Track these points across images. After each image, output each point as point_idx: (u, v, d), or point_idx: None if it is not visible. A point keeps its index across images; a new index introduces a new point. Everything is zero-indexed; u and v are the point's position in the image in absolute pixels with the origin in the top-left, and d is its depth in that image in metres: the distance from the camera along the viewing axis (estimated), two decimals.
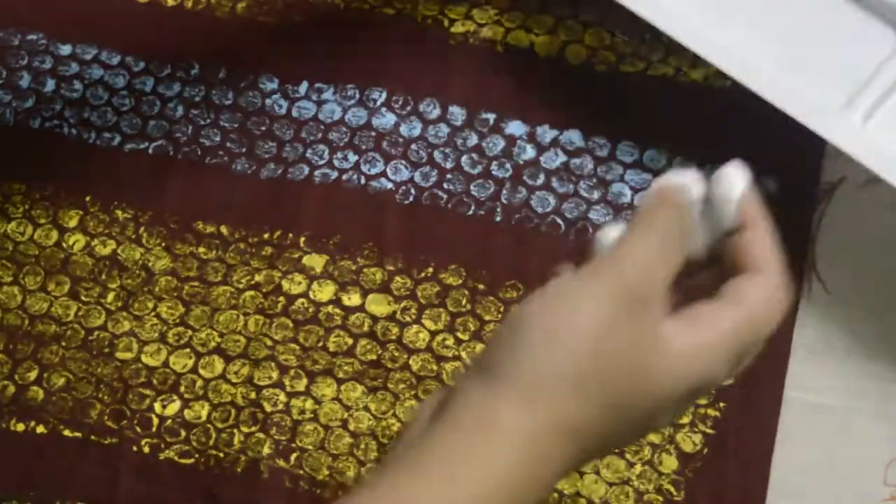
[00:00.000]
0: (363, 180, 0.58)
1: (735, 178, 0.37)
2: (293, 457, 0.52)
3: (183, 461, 0.52)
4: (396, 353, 0.54)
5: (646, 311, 0.30)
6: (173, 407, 0.53)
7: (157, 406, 0.53)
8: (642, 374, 0.30)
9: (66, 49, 0.62)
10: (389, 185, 0.58)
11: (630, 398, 0.29)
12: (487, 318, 0.54)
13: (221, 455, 0.52)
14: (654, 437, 0.52)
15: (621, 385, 0.29)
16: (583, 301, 0.29)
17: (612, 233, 0.34)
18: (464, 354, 0.55)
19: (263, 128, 0.59)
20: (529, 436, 0.28)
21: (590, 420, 0.28)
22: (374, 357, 0.54)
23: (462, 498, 0.28)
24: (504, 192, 0.58)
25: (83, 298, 0.55)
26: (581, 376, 0.28)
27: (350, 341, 0.54)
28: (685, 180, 0.36)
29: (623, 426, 0.31)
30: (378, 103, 0.61)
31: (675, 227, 0.33)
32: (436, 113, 0.60)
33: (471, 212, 0.57)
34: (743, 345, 0.32)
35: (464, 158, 0.58)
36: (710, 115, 0.59)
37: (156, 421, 0.53)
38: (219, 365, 0.54)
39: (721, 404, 0.53)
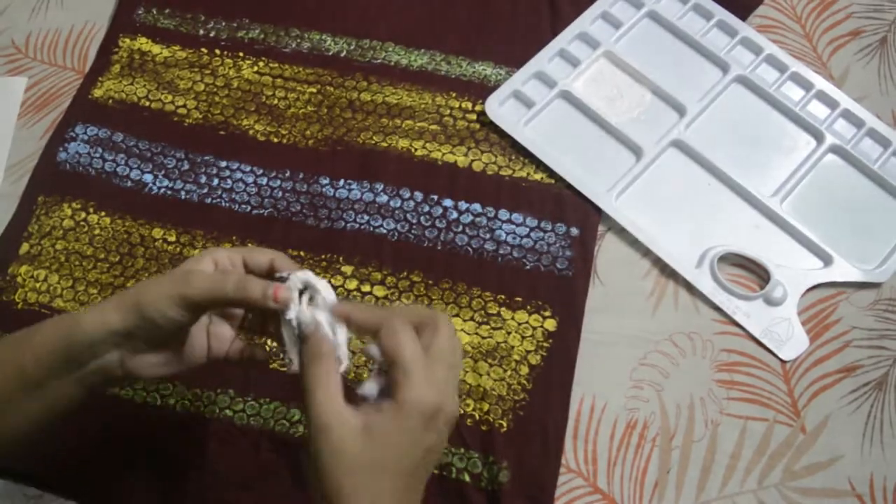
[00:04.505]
0: (372, 229, 0.76)
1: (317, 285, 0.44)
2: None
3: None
4: None
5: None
6: None
7: None
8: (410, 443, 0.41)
9: (223, 163, 0.81)
10: (385, 231, 0.76)
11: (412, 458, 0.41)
12: (434, 297, 0.72)
13: None
14: (516, 356, 0.69)
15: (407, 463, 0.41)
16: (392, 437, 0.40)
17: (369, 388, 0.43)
18: None
19: (321, 203, 0.78)
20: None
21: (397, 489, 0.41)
22: None
23: None
24: (441, 234, 0.76)
25: None
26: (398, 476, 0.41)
27: None
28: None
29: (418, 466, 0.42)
30: (379, 190, 0.78)
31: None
32: (407, 195, 0.78)
33: (425, 244, 0.75)
34: (447, 375, 0.43)
35: (422, 217, 0.77)
36: (553, 195, 0.78)
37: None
38: None
39: (550, 341, 0.71)
